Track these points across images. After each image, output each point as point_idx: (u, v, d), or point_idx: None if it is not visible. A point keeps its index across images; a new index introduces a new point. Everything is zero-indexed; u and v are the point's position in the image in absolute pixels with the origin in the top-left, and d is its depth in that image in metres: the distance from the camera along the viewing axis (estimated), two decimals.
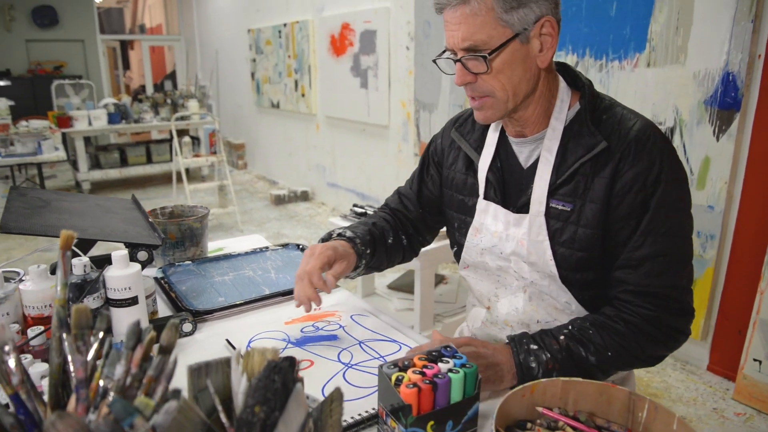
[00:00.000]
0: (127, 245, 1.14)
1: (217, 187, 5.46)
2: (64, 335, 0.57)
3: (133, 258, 1.14)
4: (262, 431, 0.52)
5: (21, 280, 1.02)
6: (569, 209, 1.02)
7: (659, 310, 0.99)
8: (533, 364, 0.97)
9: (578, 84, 1.05)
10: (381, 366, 0.81)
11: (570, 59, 3.07)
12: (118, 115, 6.60)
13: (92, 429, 0.43)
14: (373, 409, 0.91)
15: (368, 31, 4.74)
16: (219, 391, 0.67)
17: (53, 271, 1.02)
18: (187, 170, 7.52)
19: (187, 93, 7.83)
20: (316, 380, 0.99)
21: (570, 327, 1.02)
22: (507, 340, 1.03)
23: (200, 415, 0.51)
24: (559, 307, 1.09)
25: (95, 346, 0.57)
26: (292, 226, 5.49)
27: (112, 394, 0.52)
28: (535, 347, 0.99)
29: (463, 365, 0.81)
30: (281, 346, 1.12)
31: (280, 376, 0.55)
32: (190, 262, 1.53)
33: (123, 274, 1.02)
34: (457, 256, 1.23)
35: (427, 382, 0.77)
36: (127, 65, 12.77)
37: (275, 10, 6.41)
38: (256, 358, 0.66)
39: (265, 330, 1.19)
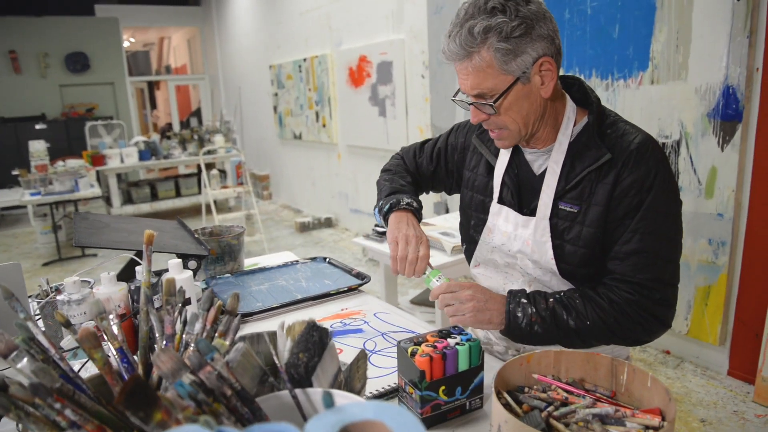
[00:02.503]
0: (180, 256, 1.32)
1: (245, 217, 5.68)
2: (150, 308, 0.73)
3: (184, 266, 1.31)
4: (305, 372, 0.67)
5: (92, 287, 1.19)
6: (576, 211, 1.16)
7: (640, 297, 1.11)
8: (519, 314, 1.12)
9: (588, 100, 1.19)
10: (399, 342, 0.96)
11: None
12: (148, 152, 6.92)
13: (186, 360, 0.58)
14: (394, 383, 1.05)
15: (385, 62, 4.97)
16: (267, 356, 0.82)
17: (119, 278, 1.19)
18: (215, 202, 7.81)
19: (212, 128, 8.16)
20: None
21: (562, 293, 1.16)
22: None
23: (258, 361, 0.67)
24: None
25: (176, 312, 0.73)
26: (317, 251, 5.67)
27: (192, 346, 0.68)
28: (525, 301, 1.13)
29: (468, 340, 0.95)
30: None
31: (317, 333, 0.71)
32: (229, 275, 1.70)
33: (178, 278, 1.18)
34: (469, 254, 1.38)
35: (438, 352, 0.91)
36: (154, 104, 13.30)
37: (295, 45, 6.71)
38: (296, 328, 0.81)
39: None
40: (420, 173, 1.52)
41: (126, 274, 1.43)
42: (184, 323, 0.73)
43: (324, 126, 6.28)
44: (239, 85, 8.81)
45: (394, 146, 5.07)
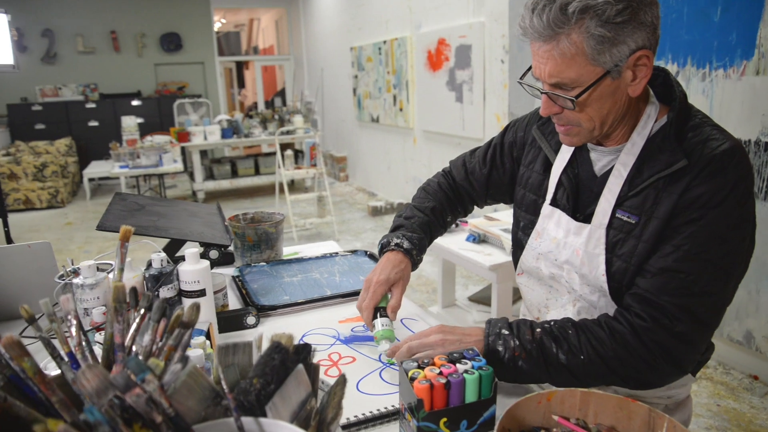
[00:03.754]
0: (202, 244, 1.28)
1: (316, 198, 5.72)
2: (115, 311, 0.68)
3: (206, 256, 1.28)
4: (257, 400, 0.59)
5: (111, 271, 1.18)
6: (634, 222, 0.99)
7: (655, 325, 0.93)
8: (500, 348, 0.97)
9: (671, 96, 1.00)
10: (402, 362, 0.86)
11: (670, 69, 2.93)
12: (230, 130, 7.12)
13: (111, 379, 0.52)
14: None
15: (463, 46, 4.78)
16: (244, 369, 0.75)
17: (148, 267, 1.17)
18: (292, 181, 7.95)
19: (293, 109, 8.28)
20: (353, 375, 1.05)
21: (552, 323, 1.00)
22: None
23: (209, 381, 0.59)
24: None
25: (137, 320, 0.68)
26: None
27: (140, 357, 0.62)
28: (507, 332, 0.99)
29: (480, 368, 0.84)
30: (330, 342, 1.19)
31: (279, 355, 0.62)
32: (264, 263, 1.66)
33: (193, 269, 1.14)
34: (515, 259, 1.25)
35: (442, 380, 0.80)
36: (242, 84, 13.72)
37: (376, 27, 6.63)
38: (284, 337, 0.74)
39: (319, 327, 1.27)
40: (472, 182, 1.37)
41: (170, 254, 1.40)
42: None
43: (401, 110, 6.19)
44: (322, 67, 8.86)
45: (470, 133, 4.90)
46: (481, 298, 2.89)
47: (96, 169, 7.85)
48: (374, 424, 0.93)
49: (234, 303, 1.45)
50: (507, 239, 2.39)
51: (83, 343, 0.66)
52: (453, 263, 2.77)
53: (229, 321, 1.28)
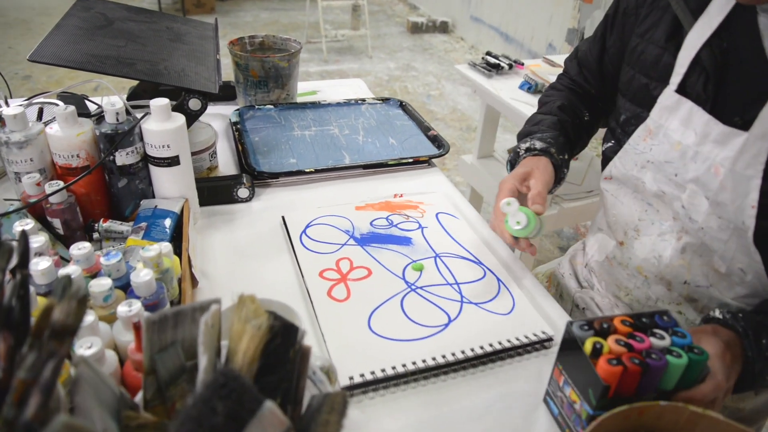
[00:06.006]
0: (180, 91, 0.95)
1: (351, 6, 5.09)
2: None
3: (182, 107, 0.95)
4: None
5: (48, 123, 0.87)
6: None
7: None
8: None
9: None
10: (571, 323, 0.61)
11: None
12: None
13: None
14: (433, 358, 0.70)
15: None
16: (191, 347, 0.49)
17: (100, 120, 0.85)
18: None
19: None
20: (365, 301, 0.79)
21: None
22: (703, 315, 0.76)
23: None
24: (726, 272, 0.77)
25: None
26: (424, 59, 5.10)
27: None
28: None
29: (690, 348, 0.59)
30: (340, 241, 0.92)
31: (225, 404, 0.35)
32: (272, 106, 1.33)
33: (161, 128, 0.83)
34: (605, 160, 0.92)
35: (636, 362, 0.56)
36: None
37: None
38: (246, 312, 0.46)
39: (330, 213, 0.99)
40: (585, 75, 1.01)
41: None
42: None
43: None
44: None
45: None
46: None
47: None
48: (387, 385, 0.69)
49: (227, 161, 1.16)
50: None
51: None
52: (497, 111, 2.39)
53: (214, 192, 1.00)
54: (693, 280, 0.80)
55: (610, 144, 0.92)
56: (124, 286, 0.67)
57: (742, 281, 0.76)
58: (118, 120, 0.83)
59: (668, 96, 0.77)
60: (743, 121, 0.70)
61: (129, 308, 0.59)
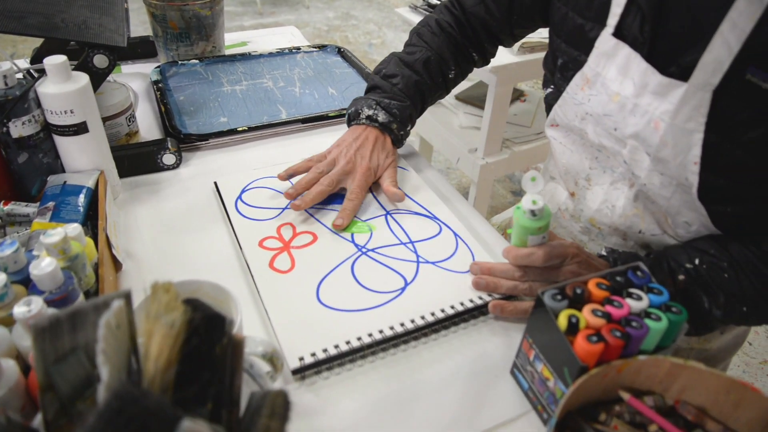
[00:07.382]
0: (82, 45, 0.83)
1: None
2: None
3: (86, 65, 0.83)
4: None
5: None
6: None
7: None
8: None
9: None
10: (542, 293, 0.54)
11: None
12: None
13: None
14: (391, 327, 0.64)
15: None
16: (87, 351, 0.41)
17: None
18: None
19: None
20: (312, 270, 0.72)
21: (697, 261, 0.66)
22: (603, 251, 0.72)
23: None
24: (675, 223, 0.73)
25: None
26: (363, 7, 4.91)
27: None
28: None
29: (667, 306, 0.54)
30: (283, 204, 0.84)
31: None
32: (197, 61, 1.21)
33: (59, 91, 0.72)
34: (548, 105, 0.85)
35: (618, 334, 0.50)
36: None
37: None
38: (157, 307, 0.38)
39: (268, 175, 0.90)
40: (488, 6, 0.91)
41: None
42: None
43: None
44: None
45: None
46: (469, 98, 2.49)
47: None
48: (342, 362, 0.62)
49: (149, 127, 1.04)
50: None
51: None
52: None
53: (136, 161, 0.89)
54: (647, 229, 0.76)
55: (550, 89, 0.85)
56: (25, 280, 0.57)
57: (690, 231, 0.72)
58: (6, 84, 0.71)
59: (605, 40, 0.69)
60: (681, 69, 0.63)
61: (28, 308, 0.50)
